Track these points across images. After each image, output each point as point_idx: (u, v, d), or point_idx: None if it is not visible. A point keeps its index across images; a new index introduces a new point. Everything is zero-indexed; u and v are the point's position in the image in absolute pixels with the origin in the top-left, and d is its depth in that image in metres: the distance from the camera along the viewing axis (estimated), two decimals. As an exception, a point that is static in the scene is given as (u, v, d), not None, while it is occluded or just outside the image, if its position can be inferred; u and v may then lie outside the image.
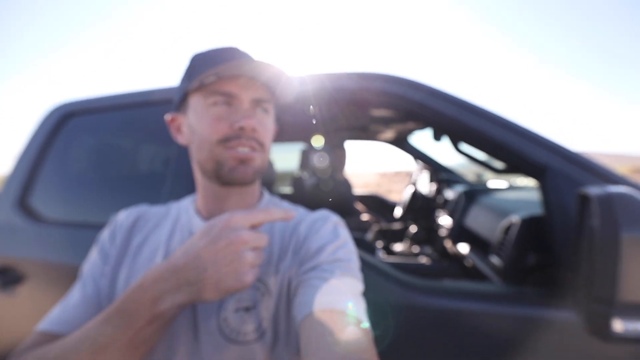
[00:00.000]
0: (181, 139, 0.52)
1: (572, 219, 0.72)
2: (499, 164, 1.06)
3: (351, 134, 2.39)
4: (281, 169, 2.84)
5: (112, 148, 1.19)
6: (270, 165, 1.44)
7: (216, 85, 0.45)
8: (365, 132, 2.17)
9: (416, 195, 2.19)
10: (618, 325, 0.46)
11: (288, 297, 0.45)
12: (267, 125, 0.49)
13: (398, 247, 2.06)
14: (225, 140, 0.45)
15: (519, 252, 0.90)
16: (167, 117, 0.53)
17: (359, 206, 2.32)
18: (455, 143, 1.23)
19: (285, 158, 2.74)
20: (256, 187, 0.54)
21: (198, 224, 0.50)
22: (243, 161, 0.46)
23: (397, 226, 2.27)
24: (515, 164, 0.87)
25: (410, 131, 2.13)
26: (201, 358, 0.43)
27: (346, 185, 2.22)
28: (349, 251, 0.46)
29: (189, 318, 0.45)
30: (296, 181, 2.30)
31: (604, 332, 0.48)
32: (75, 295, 0.47)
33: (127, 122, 1.15)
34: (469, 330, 0.74)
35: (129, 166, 1.16)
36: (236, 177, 0.46)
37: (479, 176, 2.41)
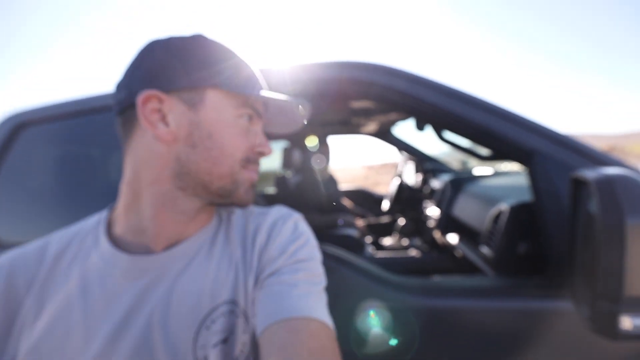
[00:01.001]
0: (162, 131, 0.37)
1: (564, 204, 0.68)
2: (484, 151, 1.03)
3: (333, 128, 2.33)
4: (264, 169, 2.77)
5: (75, 159, 1.08)
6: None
7: (249, 99, 0.41)
8: (347, 125, 2.12)
9: (402, 187, 2.16)
10: (626, 323, 0.42)
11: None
12: None
13: (387, 241, 2.02)
14: (246, 161, 0.42)
15: (510, 241, 0.87)
16: (143, 94, 0.37)
17: (346, 202, 2.27)
18: (438, 131, 1.19)
19: (268, 158, 2.66)
20: None
21: (117, 260, 0.38)
22: (253, 185, 0.44)
23: (385, 220, 2.23)
24: (501, 150, 0.83)
25: (393, 122, 2.09)
26: None
27: (331, 181, 2.17)
28: (311, 248, 0.44)
29: None
30: (280, 180, 2.23)
31: (611, 331, 0.44)
32: None
33: (90, 129, 1.04)
34: (465, 328, 0.70)
35: (95, 178, 1.06)
36: (249, 200, 0.43)
37: (464, 164, 2.40)
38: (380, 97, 0.88)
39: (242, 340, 0.38)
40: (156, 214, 0.39)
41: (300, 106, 0.45)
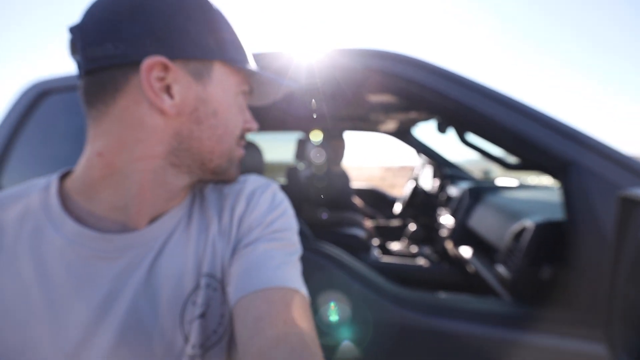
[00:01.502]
0: (166, 103, 0.32)
1: (604, 227, 0.58)
2: (511, 159, 0.92)
3: (350, 124, 2.25)
4: (277, 159, 2.71)
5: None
6: (258, 153, 1.31)
7: (246, 76, 0.40)
8: (365, 122, 2.03)
9: (417, 191, 2.05)
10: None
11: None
12: None
13: (395, 245, 1.92)
14: (240, 137, 0.41)
15: (531, 263, 0.77)
16: (152, 59, 0.31)
17: (356, 200, 2.19)
18: (461, 133, 1.09)
19: (282, 148, 2.61)
20: None
21: (81, 237, 0.33)
22: (240, 161, 0.42)
23: (395, 223, 2.13)
24: (532, 159, 0.73)
25: (414, 122, 1.98)
26: None
27: (343, 177, 2.10)
28: (288, 218, 0.43)
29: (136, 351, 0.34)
30: (291, 172, 2.17)
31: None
32: None
33: None
34: (469, 358, 0.61)
35: None
36: (237, 176, 0.42)
37: (486, 173, 2.25)
38: (401, 91, 0.80)
39: (219, 313, 0.37)
40: (141, 191, 0.34)
41: (281, 81, 0.42)
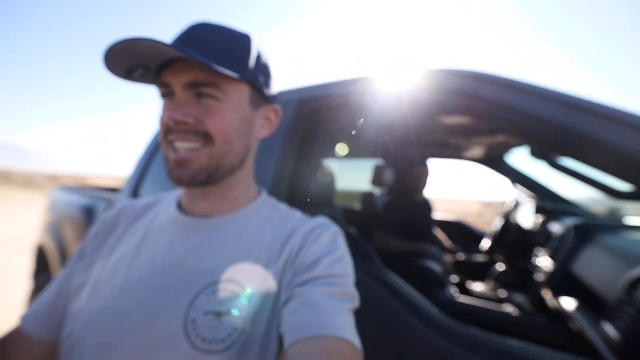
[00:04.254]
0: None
1: None
2: (622, 185, 0.73)
3: (433, 150, 2.14)
4: (357, 188, 2.72)
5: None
6: (330, 177, 1.38)
7: (160, 76, 0.43)
8: (447, 147, 1.90)
9: (509, 226, 1.76)
10: None
11: (273, 307, 0.41)
12: (216, 112, 0.42)
13: (477, 286, 1.67)
14: (165, 135, 0.43)
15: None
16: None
17: (438, 232, 2.02)
18: (555, 158, 0.92)
19: (359, 176, 2.62)
20: (242, 186, 0.50)
21: (174, 214, 0.48)
22: (179, 163, 0.42)
23: (479, 260, 1.86)
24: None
25: (504, 147, 1.76)
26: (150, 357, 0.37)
27: (424, 207, 1.97)
28: (345, 265, 0.43)
29: (149, 308, 0.40)
30: (366, 197, 2.17)
31: None
32: (44, 294, 0.48)
33: None
34: None
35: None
36: (173, 179, 0.43)
37: (613, 211, 1.78)
38: (484, 112, 0.73)
39: (235, 325, 0.38)
40: (186, 190, 0.50)
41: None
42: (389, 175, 2.18)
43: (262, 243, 0.44)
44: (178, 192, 0.53)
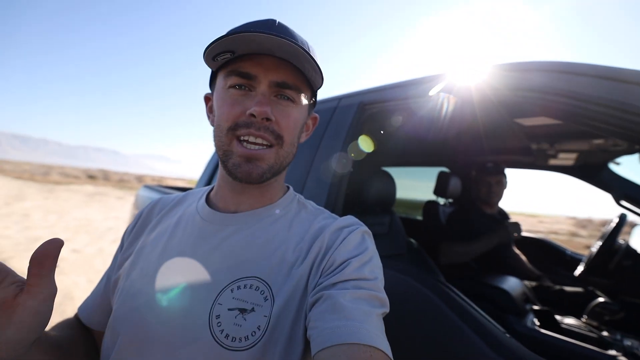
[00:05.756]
0: (211, 120, 0.48)
1: None
2: None
3: (509, 157, 1.90)
4: (417, 197, 2.55)
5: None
6: (390, 184, 1.32)
7: (236, 65, 0.42)
8: (527, 154, 1.66)
9: (614, 250, 1.44)
10: None
11: (299, 306, 0.40)
12: (290, 115, 0.43)
13: (568, 320, 1.39)
14: (234, 128, 0.42)
15: None
16: (205, 95, 0.51)
17: (517, 252, 1.77)
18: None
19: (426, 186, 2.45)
20: (276, 183, 0.50)
21: (202, 209, 0.49)
22: (249, 159, 0.42)
23: (571, 289, 1.56)
24: None
25: (608, 154, 1.46)
26: (173, 352, 0.38)
27: (499, 221, 1.75)
28: (375, 267, 0.41)
29: (176, 302, 0.41)
30: (429, 206, 2.03)
31: None
32: (97, 286, 0.53)
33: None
34: None
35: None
36: (239, 175, 0.43)
37: None
38: (572, 112, 0.60)
39: (259, 323, 0.38)
40: (220, 185, 0.51)
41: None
42: (455, 184, 2.00)
43: (289, 241, 0.44)
44: (206, 188, 0.55)
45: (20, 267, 3.15)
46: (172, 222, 0.50)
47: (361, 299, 0.36)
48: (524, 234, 2.19)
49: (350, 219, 0.47)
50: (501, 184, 1.76)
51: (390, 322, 0.69)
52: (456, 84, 0.77)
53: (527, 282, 1.51)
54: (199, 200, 0.52)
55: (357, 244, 0.43)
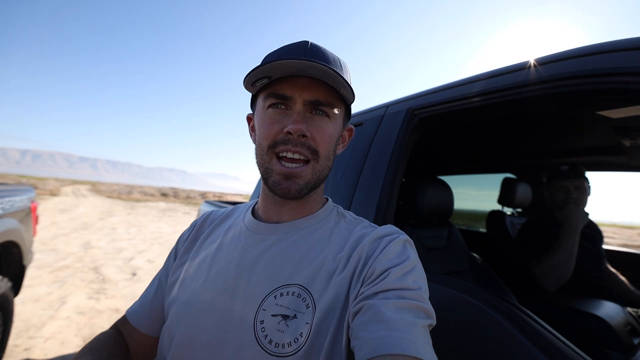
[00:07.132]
0: (253, 139, 0.52)
1: None
2: None
3: (595, 159, 1.62)
4: (476, 208, 2.31)
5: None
6: (446, 191, 1.22)
7: (273, 87, 0.45)
8: (616, 154, 1.40)
9: None
10: None
11: (340, 315, 0.40)
12: (325, 130, 0.46)
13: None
14: (273, 146, 0.45)
15: None
16: (248, 115, 0.55)
17: (611, 270, 1.50)
18: None
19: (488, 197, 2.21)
20: (315, 195, 0.51)
21: (249, 220, 0.52)
22: (288, 176, 0.45)
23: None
24: None
25: None
26: (221, 355, 0.40)
27: (589, 236, 1.48)
28: (418, 276, 0.40)
29: (223, 306, 0.43)
30: (494, 216, 1.83)
31: None
32: (146, 291, 0.56)
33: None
34: None
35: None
36: (278, 191, 0.45)
37: None
38: None
39: (301, 330, 0.38)
40: (264, 198, 0.54)
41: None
42: (523, 191, 1.77)
43: (329, 250, 0.45)
44: (253, 202, 0.58)
45: (108, 274, 3.64)
46: (221, 232, 0.54)
47: (404, 309, 0.36)
48: (620, 248, 1.84)
49: (390, 227, 0.47)
50: (581, 189, 1.48)
51: (450, 348, 0.61)
52: (519, 75, 0.68)
53: (630, 309, 1.24)
54: (246, 212, 0.55)
55: (398, 253, 0.42)
